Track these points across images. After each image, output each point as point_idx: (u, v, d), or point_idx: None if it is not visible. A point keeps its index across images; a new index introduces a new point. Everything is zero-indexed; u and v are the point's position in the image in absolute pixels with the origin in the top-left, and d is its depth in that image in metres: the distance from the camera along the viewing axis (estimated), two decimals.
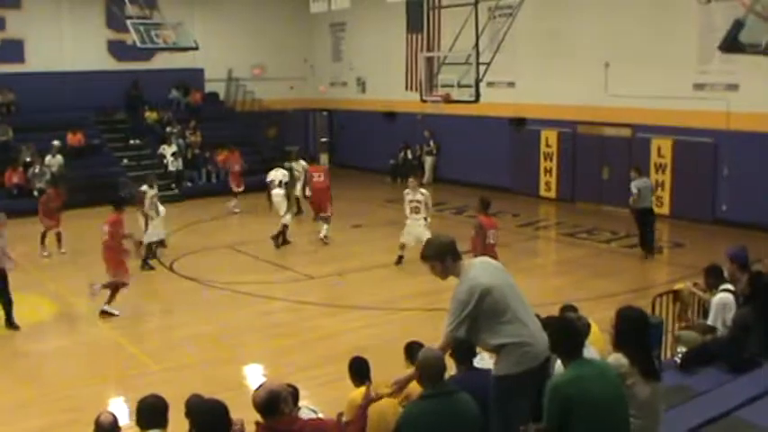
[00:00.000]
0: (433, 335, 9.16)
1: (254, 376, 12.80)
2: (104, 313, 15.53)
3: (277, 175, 21.83)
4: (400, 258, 18.75)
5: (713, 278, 10.36)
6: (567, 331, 6.10)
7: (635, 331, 6.23)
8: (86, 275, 18.36)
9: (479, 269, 6.85)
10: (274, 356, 13.80)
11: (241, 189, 26.39)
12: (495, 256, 13.11)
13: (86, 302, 16.03)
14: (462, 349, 7.42)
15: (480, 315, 6.60)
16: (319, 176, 21.85)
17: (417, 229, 18.07)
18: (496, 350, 6.70)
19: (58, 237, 21.41)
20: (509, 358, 6.53)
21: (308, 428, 5.92)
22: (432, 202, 19.07)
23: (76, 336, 14.88)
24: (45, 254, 20.93)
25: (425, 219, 18.35)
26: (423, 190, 18.83)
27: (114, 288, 15.68)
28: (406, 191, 18.80)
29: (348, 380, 8.35)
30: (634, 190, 19.02)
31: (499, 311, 6.60)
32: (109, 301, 15.59)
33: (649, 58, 22.96)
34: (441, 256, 6.89)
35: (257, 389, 5.84)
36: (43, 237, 21.15)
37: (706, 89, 22.18)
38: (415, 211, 18.43)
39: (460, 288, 6.72)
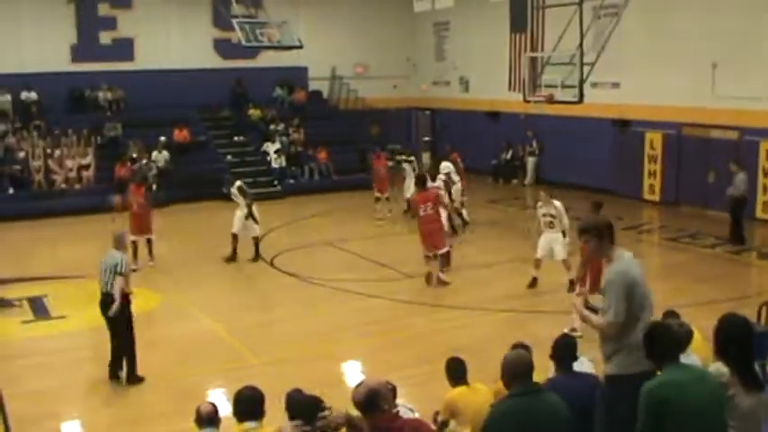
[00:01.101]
0: (530, 337, 9.13)
1: (352, 373, 12.90)
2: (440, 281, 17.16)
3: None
4: (534, 280, 16.88)
5: None
6: (660, 336, 5.98)
7: (738, 340, 6.08)
8: (191, 268, 18.82)
9: (631, 261, 6.87)
10: (371, 354, 13.87)
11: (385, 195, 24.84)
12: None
13: (188, 295, 16.36)
14: (562, 352, 7.36)
15: (632, 305, 6.64)
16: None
17: (554, 244, 16.36)
18: (616, 347, 6.67)
19: (149, 245, 19.48)
20: (629, 358, 6.46)
21: (407, 427, 5.86)
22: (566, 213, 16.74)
23: (178, 327, 15.16)
24: (134, 267, 17.02)
25: (563, 233, 16.40)
26: (556, 202, 16.62)
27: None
28: (539, 203, 16.82)
29: (444, 380, 8.36)
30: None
31: (635, 307, 6.62)
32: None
33: (758, 59, 22.38)
34: (600, 233, 6.87)
35: (357, 386, 5.84)
36: (134, 248, 18.64)
37: None
38: (550, 225, 16.39)
39: (616, 274, 6.73)
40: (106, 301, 12.00)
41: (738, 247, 20.27)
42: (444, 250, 17.61)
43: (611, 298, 6.66)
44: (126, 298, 12.04)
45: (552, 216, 16.36)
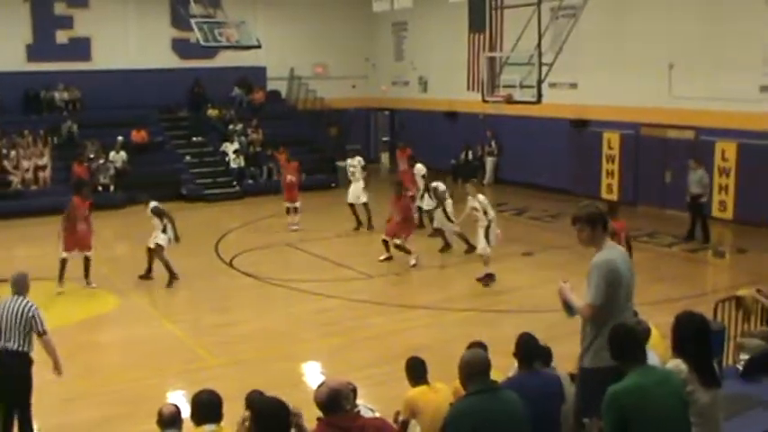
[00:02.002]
0: (490, 336, 9.15)
1: (311, 373, 12.87)
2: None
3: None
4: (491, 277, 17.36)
5: None
6: (625, 337, 6.00)
7: (695, 337, 6.13)
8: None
9: (619, 254, 6.93)
10: (331, 354, 13.85)
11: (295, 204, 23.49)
12: None
13: (146, 297, 16.24)
14: (524, 350, 7.37)
15: (616, 295, 6.71)
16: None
17: (476, 238, 17.37)
18: (593, 338, 6.73)
19: (86, 263, 17.28)
20: (604, 351, 6.41)
21: (370, 427, 5.89)
22: (491, 206, 17.44)
23: (136, 329, 15.05)
24: (60, 290, 16.73)
25: (488, 227, 16.94)
26: (481, 196, 17.21)
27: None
28: (468, 197, 17.52)
29: (404, 380, 8.35)
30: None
31: (616, 299, 6.69)
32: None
33: (714, 60, 22.61)
34: (593, 222, 6.86)
35: (319, 386, 5.86)
36: (62, 266, 16.92)
37: None
38: (475, 219, 17.27)
39: (600, 261, 6.77)
40: (13, 362, 9.67)
41: (700, 245, 20.50)
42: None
43: (593, 281, 6.71)
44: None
45: (476, 210, 17.02)
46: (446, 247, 20.06)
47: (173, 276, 17.29)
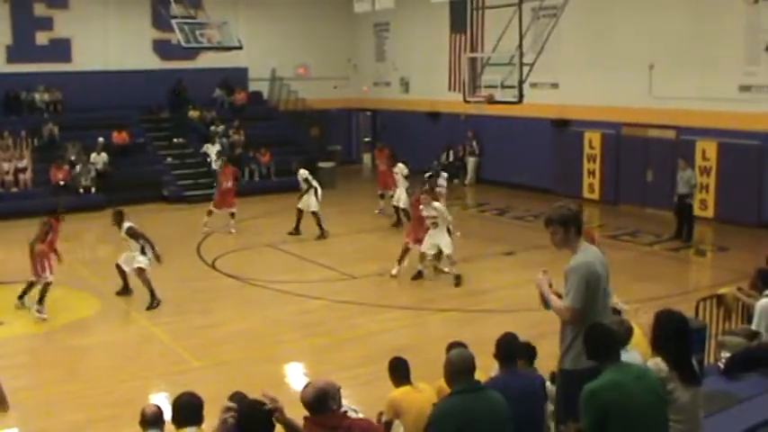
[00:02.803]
0: (473, 336, 9.17)
1: (295, 374, 12.87)
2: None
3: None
4: (419, 273, 17.66)
5: (763, 282, 10.23)
6: (600, 336, 6.03)
7: (674, 335, 6.16)
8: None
9: (595, 256, 6.87)
10: (314, 355, 13.85)
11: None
12: None
13: (128, 299, 16.18)
14: (505, 350, 7.39)
15: (593, 296, 6.69)
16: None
17: (439, 241, 17.04)
18: (572, 340, 6.70)
19: (43, 290, 15.54)
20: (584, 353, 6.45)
21: (356, 427, 5.92)
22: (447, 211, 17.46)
23: (119, 332, 15.01)
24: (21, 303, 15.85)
25: (448, 230, 17.20)
26: (436, 203, 17.17)
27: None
28: (421, 207, 17.36)
29: (387, 380, 8.36)
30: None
31: (594, 301, 6.66)
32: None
33: (694, 60, 22.75)
34: (566, 224, 6.80)
35: (306, 386, 5.89)
36: (27, 288, 15.92)
37: (752, 90, 21.89)
38: (434, 225, 17.03)
39: (578, 264, 6.72)
40: None
41: (683, 244, 20.61)
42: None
43: (572, 284, 6.67)
44: None
45: (434, 217, 17.03)
46: None
47: (154, 300, 16.08)
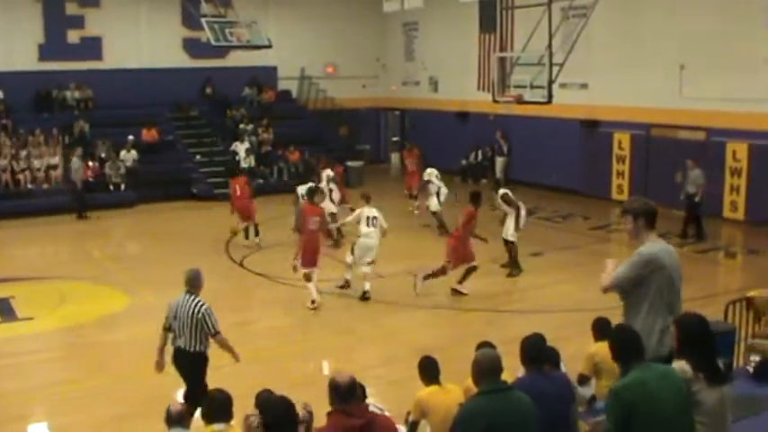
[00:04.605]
0: (499, 336, 9.16)
1: (323, 372, 12.89)
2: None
3: None
4: (347, 283, 17.06)
5: None
6: (626, 337, 6.07)
7: (696, 338, 6.12)
8: (159, 269, 18.67)
9: (662, 249, 7.25)
10: (341, 353, 13.87)
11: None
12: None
13: (157, 295, 16.25)
14: (529, 351, 7.37)
15: (651, 288, 7.06)
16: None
17: (371, 250, 16.66)
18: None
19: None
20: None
21: (379, 419, 6.07)
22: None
23: (146, 328, 15.00)
24: None
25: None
26: (374, 209, 17.01)
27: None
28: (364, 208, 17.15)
29: (413, 380, 8.36)
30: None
31: (650, 290, 7.06)
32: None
33: (725, 60, 22.58)
34: (636, 216, 7.23)
35: (336, 375, 5.95)
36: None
37: None
38: (373, 224, 16.69)
39: (639, 253, 7.15)
40: (185, 361, 10.07)
41: (703, 244, 20.53)
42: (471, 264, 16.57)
43: (624, 267, 7.17)
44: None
45: (375, 218, 16.74)
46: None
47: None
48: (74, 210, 25.19)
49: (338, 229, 20.49)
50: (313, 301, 15.82)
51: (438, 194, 22.76)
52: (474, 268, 16.45)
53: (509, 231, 17.93)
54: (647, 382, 5.72)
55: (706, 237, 21.05)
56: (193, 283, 10.13)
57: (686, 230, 21.18)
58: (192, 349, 9.86)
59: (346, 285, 17.06)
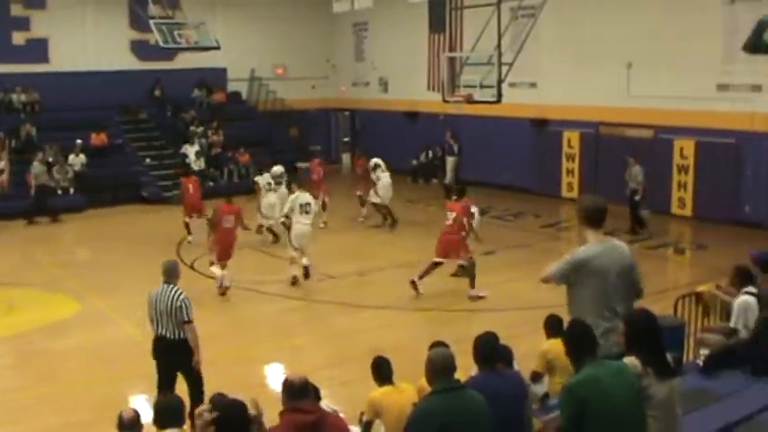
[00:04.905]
0: (452, 336, 9.17)
1: (274, 375, 12.82)
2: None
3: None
4: (296, 279, 17.37)
5: (741, 279, 10.25)
6: (579, 333, 6.09)
7: (644, 333, 6.17)
8: (109, 273, 18.48)
9: (596, 247, 7.14)
10: (293, 355, 13.84)
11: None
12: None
13: (106, 301, 16.10)
14: (483, 350, 7.37)
15: (588, 291, 7.00)
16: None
17: (307, 239, 17.44)
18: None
19: None
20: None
21: (330, 416, 6.19)
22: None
23: (96, 334, 14.90)
24: None
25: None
26: (307, 194, 17.56)
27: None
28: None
29: (366, 380, 8.34)
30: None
31: (586, 290, 7.01)
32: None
33: (672, 59, 22.83)
34: (580, 214, 7.34)
35: (288, 376, 6.09)
36: None
37: (730, 90, 22.01)
38: (307, 211, 17.29)
39: (571, 255, 7.17)
40: (171, 350, 10.28)
41: (652, 241, 20.77)
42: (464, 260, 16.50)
43: (560, 262, 7.17)
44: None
45: (308, 204, 17.39)
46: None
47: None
48: (31, 214, 24.78)
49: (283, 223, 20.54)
50: (222, 285, 16.57)
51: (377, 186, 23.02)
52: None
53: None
54: (600, 379, 5.75)
55: (639, 232, 21.37)
56: (171, 273, 10.42)
57: (634, 227, 21.44)
58: (174, 337, 10.16)
59: (295, 281, 17.16)
